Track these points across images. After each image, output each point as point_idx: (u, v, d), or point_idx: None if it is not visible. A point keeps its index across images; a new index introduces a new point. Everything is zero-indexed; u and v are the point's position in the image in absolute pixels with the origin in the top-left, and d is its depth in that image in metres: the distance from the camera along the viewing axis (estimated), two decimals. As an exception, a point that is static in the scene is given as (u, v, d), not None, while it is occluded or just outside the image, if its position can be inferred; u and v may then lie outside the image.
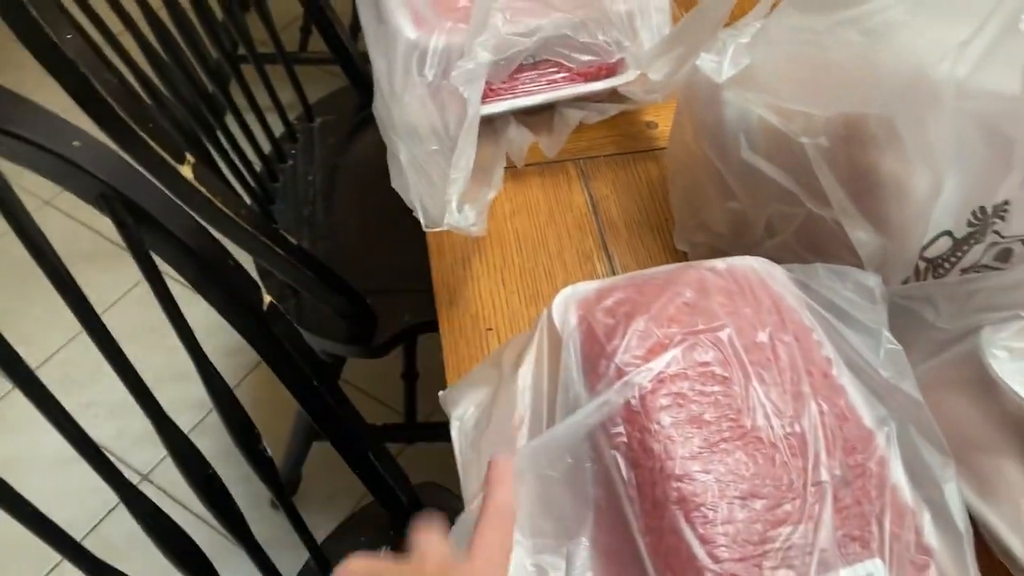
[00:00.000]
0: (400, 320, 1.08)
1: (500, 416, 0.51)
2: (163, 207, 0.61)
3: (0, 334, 0.56)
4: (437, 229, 0.59)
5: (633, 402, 0.47)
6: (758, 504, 0.44)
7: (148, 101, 1.00)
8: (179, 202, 0.66)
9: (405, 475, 0.90)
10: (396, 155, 0.65)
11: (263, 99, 1.18)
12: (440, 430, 1.40)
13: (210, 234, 0.65)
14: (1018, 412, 0.50)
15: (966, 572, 0.43)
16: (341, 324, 1.06)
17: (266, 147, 1.24)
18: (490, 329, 0.66)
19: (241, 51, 1.17)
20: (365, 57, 1.25)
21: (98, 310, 0.60)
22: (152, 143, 0.75)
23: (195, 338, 0.66)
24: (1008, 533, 0.50)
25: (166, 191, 0.66)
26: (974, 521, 0.51)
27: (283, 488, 0.78)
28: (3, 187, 0.54)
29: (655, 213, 0.73)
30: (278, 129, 1.27)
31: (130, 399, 0.66)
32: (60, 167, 0.53)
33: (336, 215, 1.22)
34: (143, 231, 0.60)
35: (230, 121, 1.14)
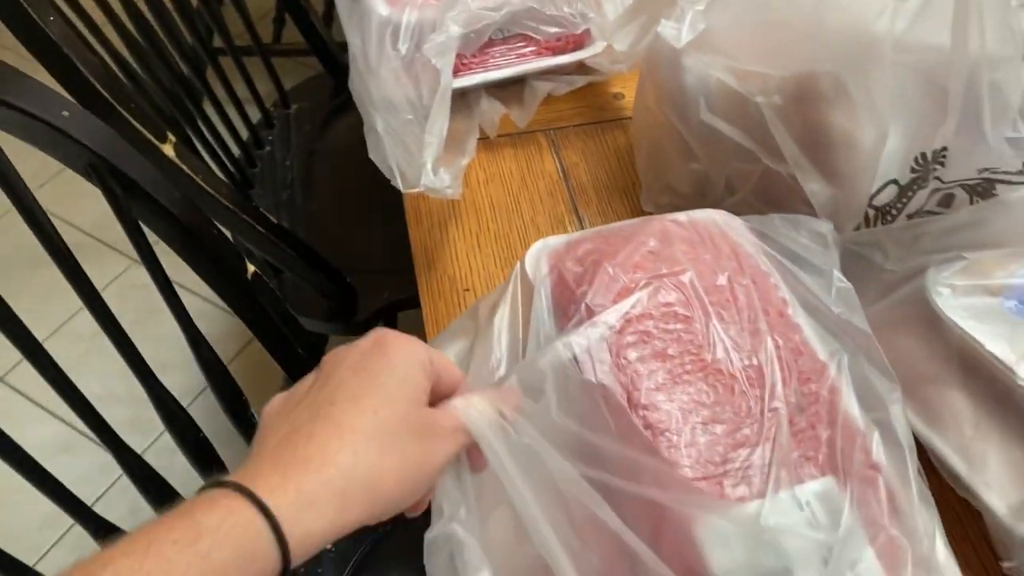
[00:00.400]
0: (380, 297, 1.11)
1: (478, 362, 0.54)
2: (150, 177, 0.63)
3: (9, 307, 0.58)
4: (414, 190, 0.62)
5: (600, 345, 0.50)
6: (719, 429, 0.48)
7: (129, 85, 1.02)
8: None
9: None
10: (373, 126, 0.68)
11: (240, 89, 1.20)
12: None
13: (195, 204, 0.68)
14: (961, 345, 0.54)
15: (909, 483, 0.46)
16: (322, 302, 1.08)
17: (243, 134, 1.26)
18: (467, 290, 0.68)
19: (217, 44, 1.19)
20: (340, 47, 1.28)
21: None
22: (134, 122, 0.77)
23: (180, 300, 0.69)
24: (954, 457, 0.54)
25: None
26: (924, 447, 0.54)
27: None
28: (3, 161, 0.56)
29: (623, 178, 0.76)
30: (255, 117, 1.29)
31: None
32: (50, 136, 0.56)
33: (314, 199, 1.24)
34: (131, 201, 0.62)
35: (209, 110, 1.16)
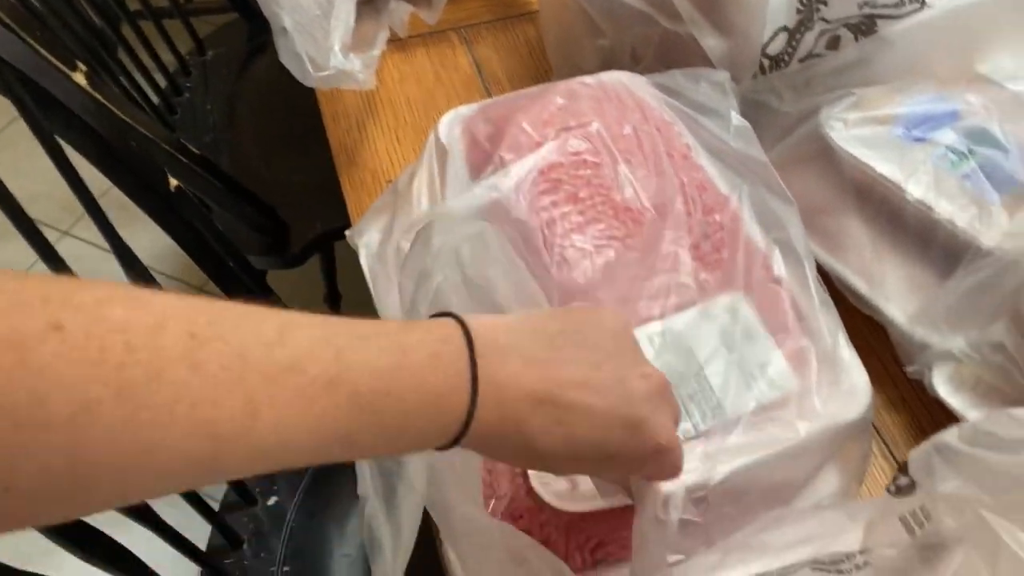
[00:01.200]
0: (312, 229, 1.11)
1: (400, 224, 0.56)
2: (62, 88, 0.63)
3: None
4: (323, 73, 0.63)
5: (516, 189, 0.52)
6: (631, 256, 0.50)
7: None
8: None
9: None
10: (282, 26, 0.68)
11: (154, 41, 1.19)
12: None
13: (111, 115, 0.68)
14: (854, 173, 0.57)
15: (809, 291, 0.50)
16: (254, 236, 1.08)
17: (161, 83, 1.25)
18: (389, 181, 0.70)
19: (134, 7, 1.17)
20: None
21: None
22: (41, 49, 0.76)
23: (118, 234, 0.68)
24: (856, 279, 0.58)
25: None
26: (828, 273, 0.58)
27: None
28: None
29: (535, 67, 0.78)
30: (172, 68, 1.28)
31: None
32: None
33: (238, 141, 1.24)
34: (44, 111, 0.62)
35: (124, 59, 1.15)
